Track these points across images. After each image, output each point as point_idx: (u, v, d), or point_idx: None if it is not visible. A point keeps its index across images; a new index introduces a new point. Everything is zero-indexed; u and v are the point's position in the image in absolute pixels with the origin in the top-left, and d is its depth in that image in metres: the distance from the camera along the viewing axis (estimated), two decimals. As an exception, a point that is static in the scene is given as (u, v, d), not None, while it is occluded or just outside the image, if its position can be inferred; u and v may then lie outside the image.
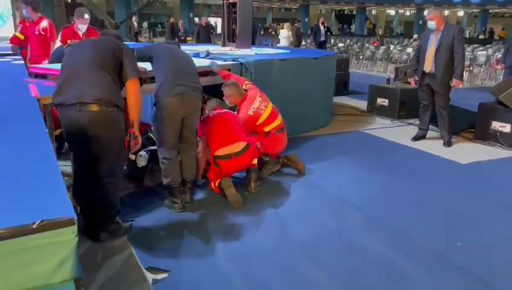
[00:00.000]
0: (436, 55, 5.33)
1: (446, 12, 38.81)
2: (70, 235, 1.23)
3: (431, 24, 5.40)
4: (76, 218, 1.24)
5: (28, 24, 5.73)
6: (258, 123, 4.25)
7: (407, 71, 7.64)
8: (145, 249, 2.96)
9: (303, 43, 21.95)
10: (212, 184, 3.82)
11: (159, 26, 37.42)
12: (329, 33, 18.95)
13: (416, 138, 5.83)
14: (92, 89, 2.68)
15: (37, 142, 1.92)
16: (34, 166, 1.65)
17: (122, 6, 27.11)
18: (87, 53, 2.85)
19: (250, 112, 4.18)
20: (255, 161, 3.98)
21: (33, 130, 2.14)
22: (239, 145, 3.73)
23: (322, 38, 14.82)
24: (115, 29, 21.67)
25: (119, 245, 3.01)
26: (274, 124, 4.33)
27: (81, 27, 5.36)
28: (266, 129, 4.30)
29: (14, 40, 5.89)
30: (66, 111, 2.69)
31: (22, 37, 5.77)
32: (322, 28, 14.78)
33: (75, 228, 1.23)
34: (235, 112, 4.23)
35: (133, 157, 3.73)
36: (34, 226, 1.18)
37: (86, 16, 5.38)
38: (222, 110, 4.02)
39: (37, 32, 5.52)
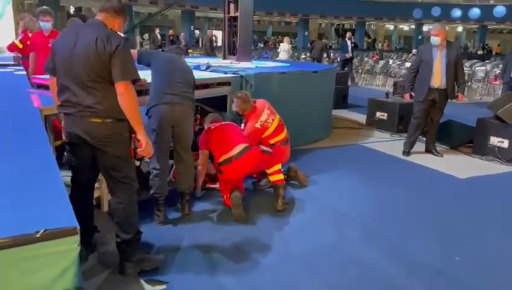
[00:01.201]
0: (446, 71, 5.41)
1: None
2: (72, 244, 1.25)
3: (436, 40, 5.42)
4: (78, 227, 1.25)
5: (30, 34, 5.76)
6: (264, 136, 4.26)
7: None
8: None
9: (302, 56, 22.13)
10: (225, 197, 3.83)
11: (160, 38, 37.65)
12: (356, 49, 16.26)
13: (408, 153, 5.86)
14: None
15: (39, 152, 1.94)
16: (36, 176, 1.67)
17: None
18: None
19: (258, 125, 4.19)
20: (281, 177, 3.97)
21: (35, 140, 2.17)
22: (238, 148, 3.73)
23: (349, 55, 13.59)
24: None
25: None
26: (280, 137, 4.34)
27: None
28: (271, 141, 4.30)
29: (11, 47, 5.94)
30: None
31: (21, 46, 5.81)
32: (349, 43, 13.46)
33: (77, 237, 1.25)
34: (243, 123, 4.27)
35: (137, 163, 3.78)
36: (38, 235, 1.20)
37: None
38: (222, 123, 4.06)
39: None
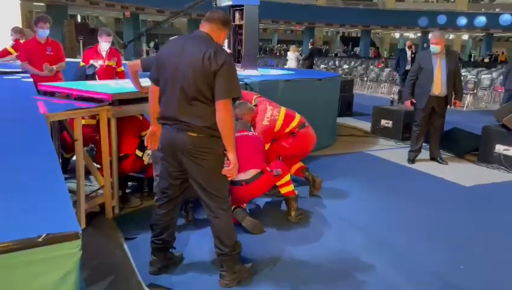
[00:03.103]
0: (447, 78, 5.46)
1: (451, 36, 39.17)
2: (74, 249, 1.26)
3: (437, 48, 5.46)
4: (80, 232, 1.26)
5: (22, 42, 5.90)
6: (276, 130, 4.19)
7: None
8: (147, 266, 2.96)
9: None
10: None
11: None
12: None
13: (413, 161, 5.86)
14: None
15: (44, 158, 1.96)
16: (40, 181, 1.69)
17: (131, 27, 27.58)
18: None
19: (265, 122, 4.19)
20: (291, 188, 3.85)
21: (40, 146, 2.19)
22: (250, 173, 3.58)
23: (408, 67, 10.99)
24: (123, 48, 22.06)
25: (120, 262, 3.02)
26: (294, 124, 4.27)
27: (104, 46, 5.44)
28: (288, 130, 4.24)
29: (3, 53, 6.04)
30: None
31: (14, 52, 5.91)
32: (409, 53, 11.30)
33: (79, 241, 1.26)
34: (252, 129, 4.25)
35: (140, 154, 3.79)
36: (40, 240, 1.21)
37: (107, 36, 5.43)
38: (244, 133, 3.84)
39: (52, 53, 5.42)
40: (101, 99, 3.69)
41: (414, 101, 5.69)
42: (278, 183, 3.86)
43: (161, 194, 2.83)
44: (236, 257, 2.80)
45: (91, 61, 5.34)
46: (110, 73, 5.55)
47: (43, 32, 5.30)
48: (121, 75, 5.73)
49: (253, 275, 2.88)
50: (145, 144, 2.91)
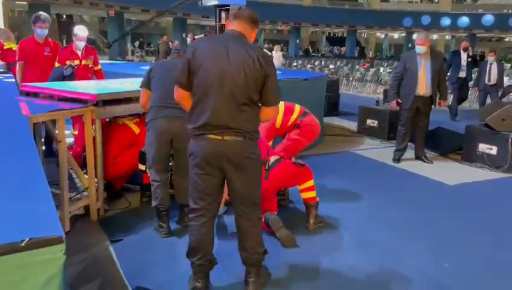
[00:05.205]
0: (432, 79, 5.55)
1: (435, 37, 39.63)
2: (58, 253, 1.23)
3: (422, 49, 5.54)
4: (64, 236, 1.24)
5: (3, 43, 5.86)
6: (277, 126, 4.09)
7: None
8: (132, 269, 2.93)
9: (294, 63, 22.23)
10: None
11: (148, 45, 37.82)
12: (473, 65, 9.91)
13: (398, 160, 5.91)
14: None
15: (26, 161, 1.92)
16: (23, 184, 1.66)
17: (115, 26, 27.32)
18: None
19: None
20: (314, 194, 3.75)
21: (23, 148, 2.15)
22: (269, 161, 3.55)
23: (462, 75, 9.19)
24: (107, 48, 21.85)
25: (105, 265, 2.99)
26: (294, 116, 4.15)
27: (79, 44, 5.21)
28: (290, 123, 4.13)
29: None
30: None
31: None
32: (464, 56, 9.18)
33: (63, 246, 1.24)
34: None
35: (143, 168, 3.73)
36: (22, 244, 1.18)
37: (83, 34, 5.21)
38: None
39: (50, 54, 5.29)
40: (85, 100, 3.64)
41: (400, 101, 5.74)
42: (301, 188, 3.76)
43: (198, 211, 2.59)
44: (262, 262, 2.74)
45: (67, 62, 5.12)
46: (87, 72, 5.36)
47: (42, 32, 5.18)
48: (99, 74, 5.57)
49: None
50: None
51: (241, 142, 2.43)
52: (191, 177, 2.57)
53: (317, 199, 3.76)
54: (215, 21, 7.91)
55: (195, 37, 14.99)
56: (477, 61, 9.38)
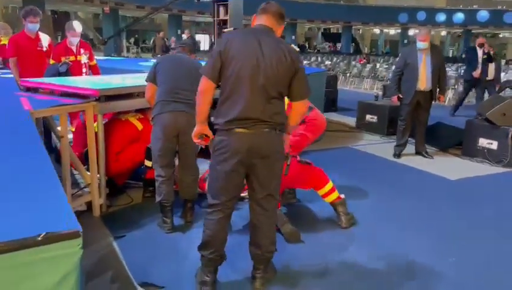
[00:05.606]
0: (432, 74, 5.55)
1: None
2: (75, 247, 1.21)
3: (424, 45, 5.54)
4: (81, 230, 1.22)
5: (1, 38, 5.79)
6: None
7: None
8: (137, 264, 2.91)
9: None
10: None
11: (143, 42, 37.64)
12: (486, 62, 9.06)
13: (399, 155, 5.91)
14: None
15: (34, 155, 1.89)
16: (33, 179, 1.63)
17: (110, 22, 27.14)
18: None
19: None
20: (336, 195, 3.68)
21: (29, 143, 2.12)
22: None
23: (477, 72, 8.75)
24: (103, 45, 21.71)
25: (109, 260, 2.96)
26: None
27: (73, 40, 5.17)
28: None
29: None
30: None
31: None
32: (480, 53, 8.74)
33: (80, 240, 1.22)
34: None
35: (149, 164, 3.70)
36: (39, 239, 1.16)
37: (77, 29, 5.16)
38: None
39: (44, 49, 5.24)
40: (87, 95, 3.61)
41: (401, 96, 5.73)
42: (321, 193, 3.69)
43: (216, 207, 2.53)
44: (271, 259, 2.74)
45: (63, 59, 5.07)
46: (82, 68, 5.29)
47: (34, 27, 5.09)
48: (94, 69, 5.52)
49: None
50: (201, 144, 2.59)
51: (272, 134, 2.44)
52: (213, 172, 2.53)
53: (342, 197, 3.72)
54: (213, 16, 7.88)
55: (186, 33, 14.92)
56: (492, 58, 9.00)
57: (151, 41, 27.11)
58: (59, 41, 6.64)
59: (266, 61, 2.35)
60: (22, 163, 1.78)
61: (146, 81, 3.51)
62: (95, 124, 3.63)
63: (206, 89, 2.42)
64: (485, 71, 8.91)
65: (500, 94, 7.14)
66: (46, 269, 1.19)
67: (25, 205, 1.38)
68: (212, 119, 2.52)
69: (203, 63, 2.79)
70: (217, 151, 2.44)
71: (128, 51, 31.43)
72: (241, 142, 2.38)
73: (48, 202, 1.40)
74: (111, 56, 19.93)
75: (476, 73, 8.73)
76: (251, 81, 2.35)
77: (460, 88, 12.88)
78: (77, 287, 1.24)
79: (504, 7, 35.69)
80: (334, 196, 3.70)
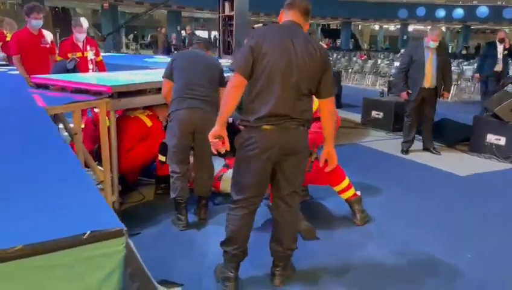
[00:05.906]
0: (438, 71, 5.56)
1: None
2: (119, 246, 1.21)
3: (435, 44, 5.51)
4: (125, 229, 1.21)
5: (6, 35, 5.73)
6: None
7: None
8: (154, 261, 2.88)
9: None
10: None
11: (142, 38, 37.52)
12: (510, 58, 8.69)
13: (407, 151, 5.91)
14: None
15: (61, 153, 1.87)
16: (64, 177, 1.61)
17: (109, 19, 27.01)
18: None
19: None
20: (352, 191, 3.68)
21: (53, 141, 2.09)
22: None
23: (498, 68, 8.14)
24: (101, 41, 21.61)
25: (126, 258, 2.94)
26: (314, 108, 4.11)
27: (79, 36, 5.17)
28: None
29: None
30: None
31: None
32: (500, 49, 8.17)
33: (124, 239, 1.21)
34: None
35: (163, 159, 3.69)
36: (85, 237, 1.15)
37: (84, 25, 5.15)
38: None
39: (48, 45, 5.23)
40: (100, 91, 3.58)
41: (410, 92, 5.71)
42: (337, 189, 3.68)
43: (241, 202, 2.52)
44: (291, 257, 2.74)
45: (69, 55, 5.04)
46: (88, 64, 5.29)
47: (37, 23, 5.06)
48: (101, 65, 5.51)
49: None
50: (215, 148, 2.46)
51: (300, 130, 2.44)
52: (240, 168, 2.50)
53: (358, 194, 3.71)
54: (218, 12, 7.84)
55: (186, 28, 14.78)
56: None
57: (148, 37, 26.87)
58: (58, 37, 6.58)
59: (299, 57, 2.34)
60: (53, 163, 1.75)
61: (163, 77, 3.50)
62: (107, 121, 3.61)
63: (238, 84, 2.34)
64: (506, 67, 8.54)
65: (505, 89, 7.06)
66: (92, 267, 1.18)
67: (65, 204, 1.36)
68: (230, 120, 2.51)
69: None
70: (246, 148, 2.42)
71: (127, 47, 31.32)
72: (271, 139, 2.37)
73: (87, 201, 1.38)
74: (110, 52, 19.88)
75: (499, 67, 8.22)
76: (283, 77, 2.33)
77: (462, 84, 12.90)
78: (120, 285, 1.23)
79: (504, 3, 35.68)
80: (351, 192, 3.68)
